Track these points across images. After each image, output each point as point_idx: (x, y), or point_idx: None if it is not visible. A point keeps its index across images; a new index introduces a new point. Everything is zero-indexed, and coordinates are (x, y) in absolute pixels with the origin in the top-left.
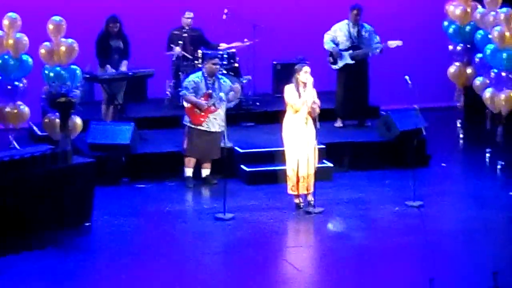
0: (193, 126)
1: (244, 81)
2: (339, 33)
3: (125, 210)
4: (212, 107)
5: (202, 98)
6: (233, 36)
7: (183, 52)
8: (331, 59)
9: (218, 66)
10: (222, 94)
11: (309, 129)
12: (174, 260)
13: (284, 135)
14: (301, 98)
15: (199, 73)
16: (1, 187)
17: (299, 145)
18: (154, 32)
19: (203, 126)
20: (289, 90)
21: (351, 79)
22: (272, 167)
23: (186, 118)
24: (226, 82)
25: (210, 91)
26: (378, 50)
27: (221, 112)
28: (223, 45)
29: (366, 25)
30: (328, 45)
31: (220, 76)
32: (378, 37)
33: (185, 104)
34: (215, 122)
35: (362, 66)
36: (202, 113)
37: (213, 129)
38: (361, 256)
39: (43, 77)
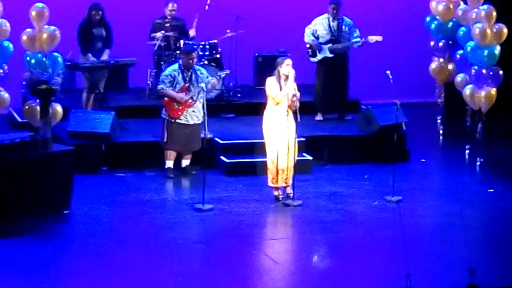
0: (171, 119)
1: (222, 75)
2: (319, 26)
3: (103, 199)
4: (190, 101)
5: (180, 92)
6: (215, 27)
7: (164, 43)
8: (310, 52)
9: (195, 60)
10: (203, 85)
11: (290, 122)
12: (152, 249)
13: (264, 127)
14: (282, 91)
15: (176, 66)
16: None
17: (279, 138)
18: (137, 21)
19: (181, 119)
20: (270, 83)
21: (330, 72)
22: (251, 159)
23: (164, 112)
24: (203, 73)
25: (188, 84)
26: (357, 44)
27: (199, 104)
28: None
29: (346, 18)
30: (308, 38)
31: (197, 68)
32: (358, 31)
33: (163, 97)
34: (193, 114)
35: (342, 59)
36: (180, 107)
37: (191, 122)
38: (339, 249)
39: (25, 64)
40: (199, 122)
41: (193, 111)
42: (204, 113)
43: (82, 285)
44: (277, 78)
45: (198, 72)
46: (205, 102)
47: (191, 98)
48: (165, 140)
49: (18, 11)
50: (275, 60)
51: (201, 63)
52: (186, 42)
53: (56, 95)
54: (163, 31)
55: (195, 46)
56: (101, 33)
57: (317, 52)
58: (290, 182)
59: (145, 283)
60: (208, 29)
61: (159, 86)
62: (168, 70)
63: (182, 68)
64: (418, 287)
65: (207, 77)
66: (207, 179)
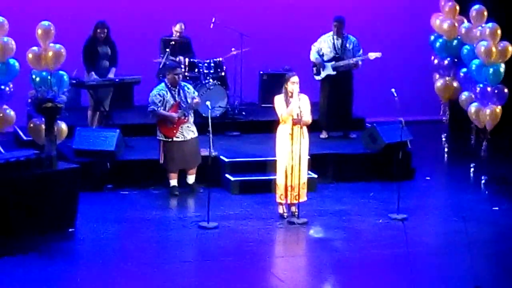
0: (168, 139)
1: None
2: (323, 44)
3: (108, 217)
4: (183, 117)
5: (171, 110)
6: (220, 45)
7: (171, 58)
8: (314, 71)
9: (181, 76)
10: (208, 103)
11: (296, 140)
12: (156, 267)
13: (276, 144)
14: (287, 109)
15: (162, 85)
16: None
17: (288, 155)
18: (142, 39)
19: (178, 137)
20: (278, 101)
21: (334, 90)
22: (257, 177)
23: (159, 133)
24: (190, 89)
25: (178, 101)
26: (359, 59)
27: (191, 119)
28: None
29: (351, 37)
30: (313, 56)
31: (183, 84)
32: (361, 51)
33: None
34: (188, 129)
35: (346, 77)
36: (174, 125)
37: (188, 137)
38: (344, 267)
39: (31, 82)
40: (195, 136)
41: (188, 126)
42: (209, 131)
43: None
44: (284, 96)
45: (185, 88)
46: (210, 120)
47: (183, 114)
48: (162, 162)
49: (24, 29)
50: (280, 78)
51: (206, 80)
52: (192, 60)
53: (61, 113)
54: (168, 49)
55: (200, 64)
56: (106, 51)
57: (321, 70)
58: (303, 199)
59: None
60: (213, 47)
61: (150, 108)
62: (156, 91)
63: (169, 86)
64: None
65: (194, 92)
66: (212, 197)
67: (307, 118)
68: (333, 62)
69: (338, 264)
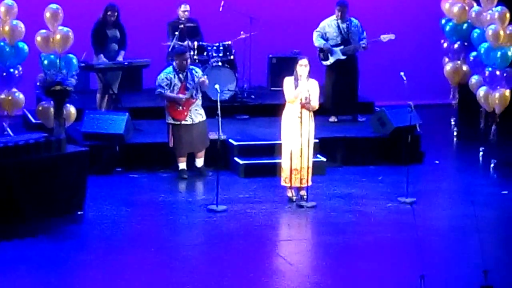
0: (177, 123)
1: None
2: (328, 29)
3: (117, 200)
4: (191, 99)
5: (179, 93)
6: (229, 29)
7: (178, 44)
8: (322, 56)
9: (189, 60)
10: (217, 86)
11: (305, 123)
12: (165, 250)
13: (281, 126)
14: (294, 91)
15: (170, 69)
16: None
17: (293, 137)
18: (150, 22)
19: (187, 121)
20: (286, 82)
21: (341, 74)
22: (266, 160)
23: (168, 117)
24: (198, 72)
25: (184, 83)
26: (363, 46)
27: (199, 102)
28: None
29: (354, 19)
30: (318, 42)
31: (191, 67)
32: (365, 33)
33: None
34: (197, 112)
35: (352, 61)
36: (184, 107)
37: (197, 120)
38: (353, 251)
39: (40, 65)
40: (204, 119)
41: (196, 110)
42: (218, 114)
43: (96, 285)
44: (294, 78)
45: (193, 71)
46: (219, 103)
47: (191, 96)
48: (171, 145)
49: (33, 12)
50: (289, 62)
51: (215, 63)
52: (200, 44)
53: (70, 96)
54: (177, 32)
55: (209, 48)
56: (115, 34)
57: (329, 55)
58: (308, 183)
59: (158, 284)
60: (222, 30)
61: (157, 91)
62: (163, 74)
63: (177, 70)
64: None
65: (202, 75)
66: (221, 180)
67: (315, 103)
68: (341, 47)
69: (347, 247)
